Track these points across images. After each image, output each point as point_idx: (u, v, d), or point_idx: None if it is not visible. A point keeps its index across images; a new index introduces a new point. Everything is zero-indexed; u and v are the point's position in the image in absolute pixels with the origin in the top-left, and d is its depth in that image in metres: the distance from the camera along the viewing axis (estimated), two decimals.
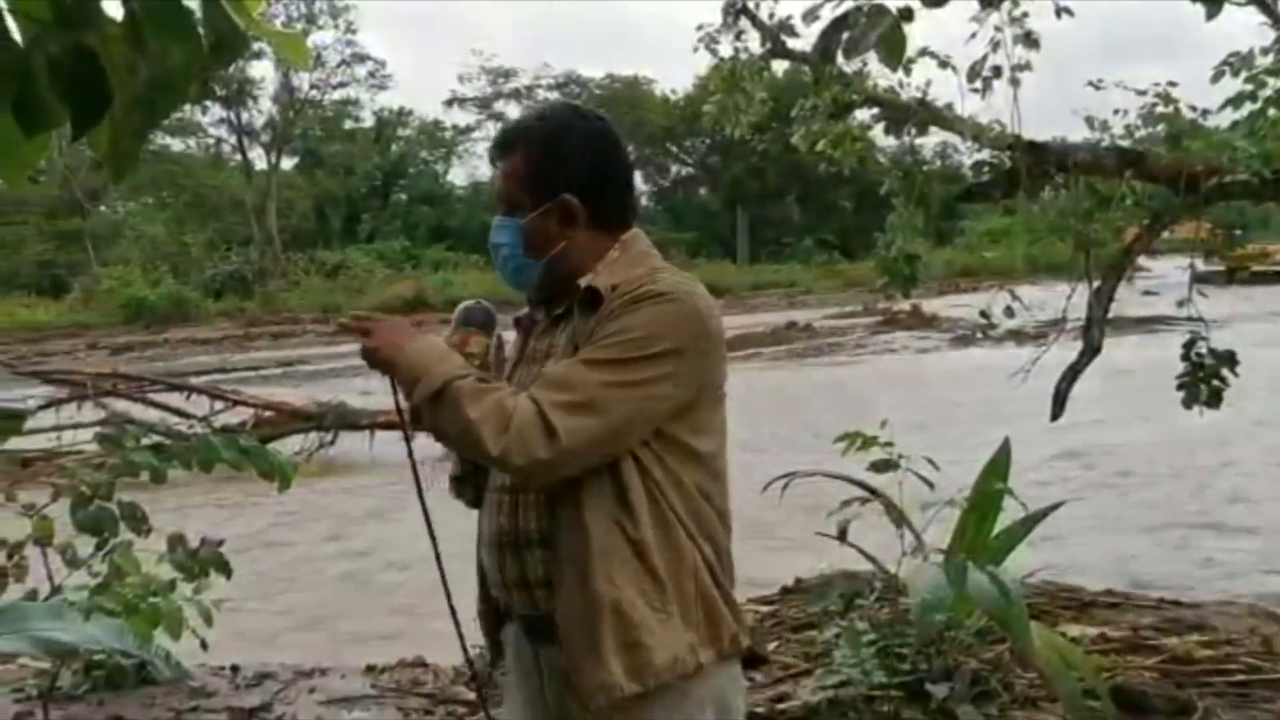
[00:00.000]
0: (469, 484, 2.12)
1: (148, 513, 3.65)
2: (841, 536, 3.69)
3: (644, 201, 55.76)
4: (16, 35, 1.11)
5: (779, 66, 6.46)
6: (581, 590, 1.85)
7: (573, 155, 1.95)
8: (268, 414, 12.66)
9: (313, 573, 7.97)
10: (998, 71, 5.06)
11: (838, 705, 3.59)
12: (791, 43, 5.82)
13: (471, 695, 4.55)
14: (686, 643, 1.87)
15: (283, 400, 13.47)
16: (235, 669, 4.98)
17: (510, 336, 2.14)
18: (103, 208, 46.13)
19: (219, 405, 12.75)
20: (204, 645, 4.24)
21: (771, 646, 4.44)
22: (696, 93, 42.57)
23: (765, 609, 5.04)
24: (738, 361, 20.70)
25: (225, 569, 3.77)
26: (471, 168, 54.90)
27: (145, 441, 3.68)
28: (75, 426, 10.75)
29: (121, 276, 38.36)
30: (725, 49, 6.00)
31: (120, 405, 12.46)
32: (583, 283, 1.92)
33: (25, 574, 3.64)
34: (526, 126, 1.99)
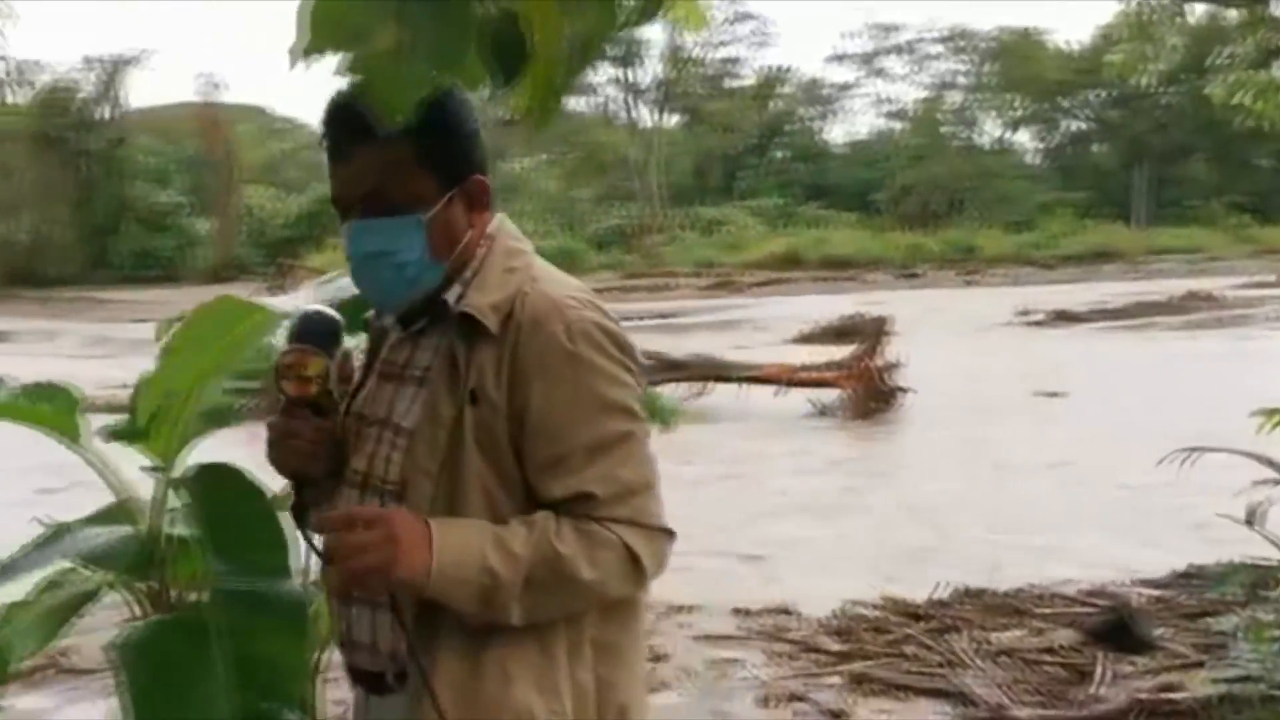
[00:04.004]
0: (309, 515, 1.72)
1: None
2: (1249, 520, 3.40)
3: (1029, 159, 53.00)
4: None
5: (1196, 10, 5.98)
6: (468, 680, 1.54)
7: (464, 127, 1.60)
8: (646, 361, 13.26)
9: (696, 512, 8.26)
10: None
11: (1233, 701, 3.34)
12: None
13: (836, 646, 4.60)
14: None
15: (658, 350, 14.04)
16: None
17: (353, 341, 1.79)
18: (509, 164, 49.75)
19: None
20: None
21: (1159, 633, 4.19)
22: (1097, 43, 39.89)
23: (1154, 593, 4.75)
24: (1130, 330, 19.31)
25: None
26: (850, 125, 54.19)
27: None
28: None
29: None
30: None
31: None
32: (452, 302, 1.59)
33: None
34: None
